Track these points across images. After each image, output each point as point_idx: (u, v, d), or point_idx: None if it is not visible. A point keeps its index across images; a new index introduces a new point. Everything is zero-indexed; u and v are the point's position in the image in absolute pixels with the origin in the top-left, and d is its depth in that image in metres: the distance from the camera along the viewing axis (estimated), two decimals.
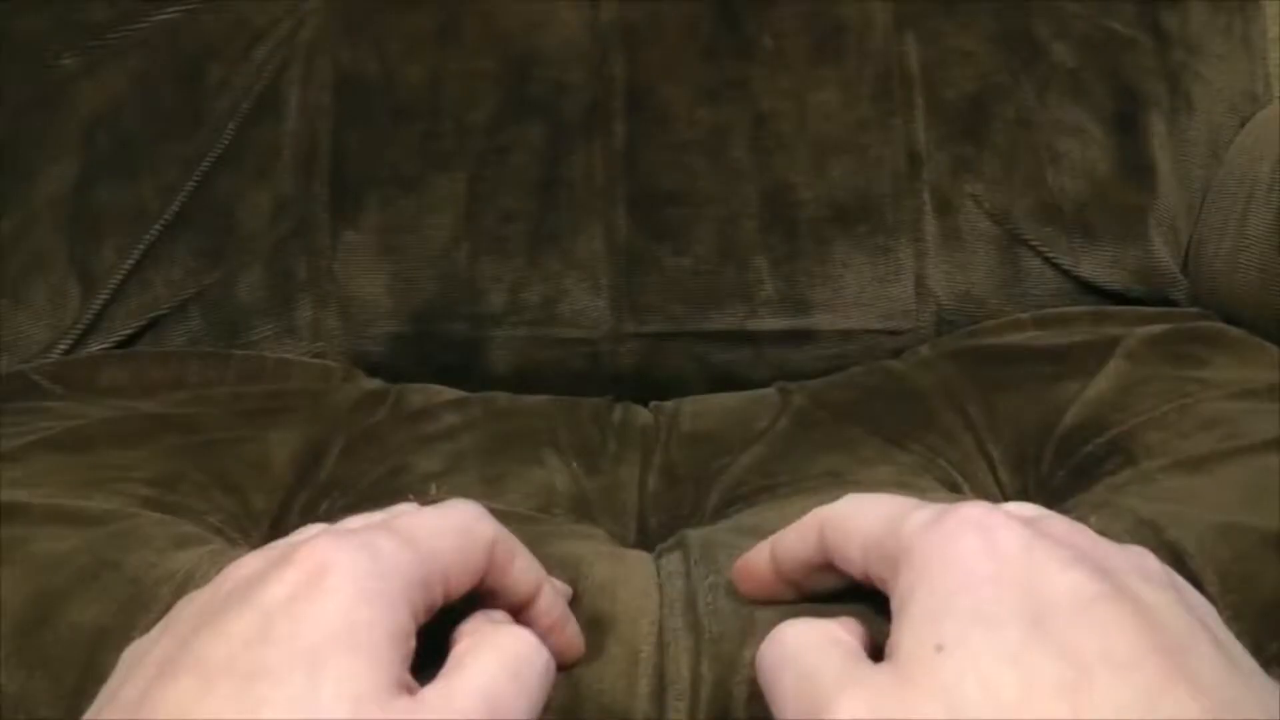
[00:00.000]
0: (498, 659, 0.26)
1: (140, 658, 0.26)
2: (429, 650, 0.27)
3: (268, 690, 0.23)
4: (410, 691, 0.25)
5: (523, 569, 0.31)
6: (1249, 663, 0.26)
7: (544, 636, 0.31)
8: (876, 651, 0.27)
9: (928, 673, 0.24)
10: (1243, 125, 0.75)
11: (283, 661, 0.24)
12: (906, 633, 0.25)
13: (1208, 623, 0.26)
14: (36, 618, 0.38)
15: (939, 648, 0.24)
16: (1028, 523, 0.27)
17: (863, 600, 0.31)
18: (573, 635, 0.34)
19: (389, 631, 0.25)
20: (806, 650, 0.27)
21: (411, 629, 0.26)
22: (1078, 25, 0.75)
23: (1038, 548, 0.26)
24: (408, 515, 0.29)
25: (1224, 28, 0.76)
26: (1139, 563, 0.27)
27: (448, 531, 0.29)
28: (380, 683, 0.24)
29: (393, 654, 0.25)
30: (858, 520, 0.30)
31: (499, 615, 0.30)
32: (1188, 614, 0.26)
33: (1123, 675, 0.23)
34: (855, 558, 0.30)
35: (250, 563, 0.27)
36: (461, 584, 0.29)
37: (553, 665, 0.28)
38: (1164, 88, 0.75)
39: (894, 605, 0.27)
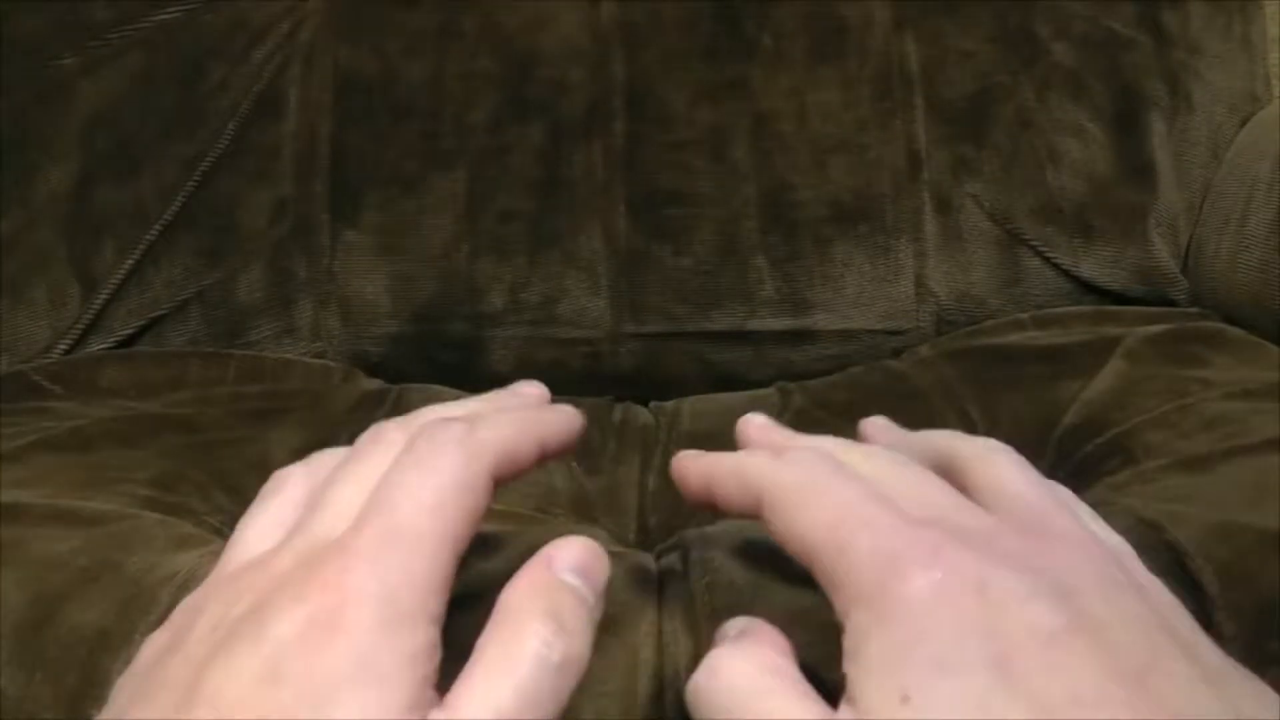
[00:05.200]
0: (510, 682, 0.26)
1: (147, 672, 0.26)
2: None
3: None
4: (430, 705, 0.25)
5: (526, 453, 0.31)
6: (1217, 659, 0.26)
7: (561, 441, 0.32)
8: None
9: None
10: (1243, 125, 0.75)
11: (295, 702, 0.24)
12: (867, 679, 0.25)
13: (1173, 624, 0.26)
14: (37, 619, 0.38)
15: (905, 699, 0.24)
16: (981, 547, 0.26)
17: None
18: (568, 419, 0.34)
19: (404, 657, 0.25)
20: (756, 692, 0.27)
21: (432, 639, 0.26)
22: (1078, 25, 0.75)
23: (993, 582, 0.25)
24: (406, 496, 0.28)
25: (1224, 28, 0.76)
26: (1097, 569, 0.27)
27: (449, 500, 0.28)
28: (394, 714, 0.24)
29: (407, 678, 0.24)
30: (804, 517, 0.28)
31: (562, 561, 0.28)
32: (1150, 621, 0.26)
33: (1090, 715, 0.23)
34: (798, 553, 0.28)
35: (259, 580, 0.27)
36: (477, 523, 0.28)
37: (572, 674, 0.27)
38: (1164, 88, 0.75)
39: (847, 641, 0.26)
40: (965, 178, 0.73)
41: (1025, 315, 0.71)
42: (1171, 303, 0.73)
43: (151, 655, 0.27)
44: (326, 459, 0.32)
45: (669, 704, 0.35)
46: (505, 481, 0.30)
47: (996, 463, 0.31)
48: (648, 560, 0.42)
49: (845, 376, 0.68)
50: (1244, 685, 0.25)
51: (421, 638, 0.26)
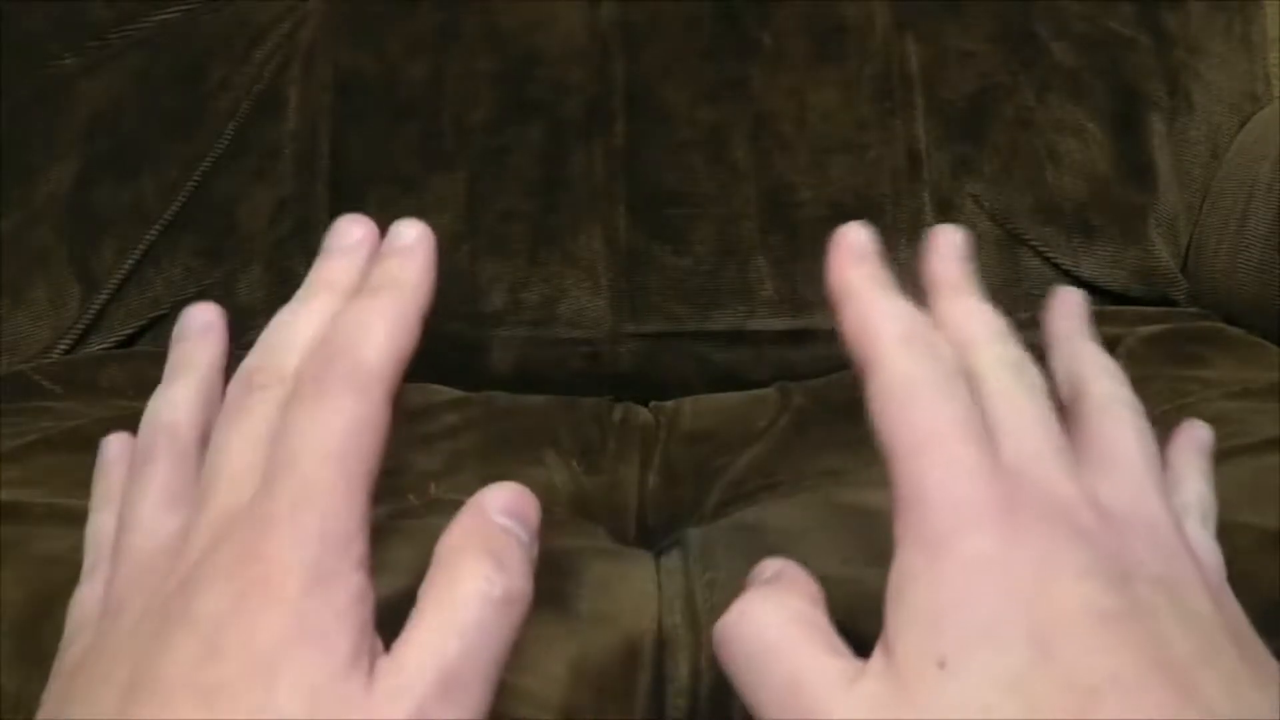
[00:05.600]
0: (451, 633, 0.25)
1: (92, 674, 0.26)
2: None
3: (227, 705, 0.23)
4: (370, 656, 0.25)
5: (411, 347, 0.30)
6: (1271, 667, 0.25)
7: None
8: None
9: (930, 690, 0.23)
10: (1243, 125, 0.75)
11: (238, 674, 0.23)
12: (907, 633, 0.25)
13: (1234, 627, 0.26)
14: (36, 617, 0.38)
15: (942, 664, 0.24)
16: (1057, 517, 0.25)
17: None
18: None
19: (339, 609, 0.25)
20: (786, 647, 0.26)
21: (364, 580, 0.25)
22: (1078, 25, 0.75)
23: (1053, 556, 0.25)
24: (306, 443, 0.27)
25: (1224, 28, 0.76)
26: (1170, 561, 0.26)
27: (357, 443, 0.27)
28: (337, 669, 0.24)
29: (346, 628, 0.24)
30: (896, 419, 0.27)
31: (498, 510, 0.28)
32: (1208, 620, 0.25)
33: (1129, 702, 0.22)
34: (879, 439, 0.28)
35: (180, 562, 0.26)
36: (381, 460, 0.27)
37: (516, 612, 0.26)
38: (1164, 88, 0.75)
39: (892, 578, 0.25)
40: (965, 178, 0.73)
41: (1025, 315, 0.71)
42: (1171, 303, 0.73)
43: (77, 658, 0.27)
44: (180, 412, 0.31)
45: (669, 700, 0.35)
46: (400, 383, 0.29)
47: (1118, 422, 0.30)
48: (647, 559, 0.42)
49: (845, 376, 0.68)
50: None
51: (352, 586, 0.25)
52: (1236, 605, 0.27)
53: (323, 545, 0.25)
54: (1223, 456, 0.46)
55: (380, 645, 0.25)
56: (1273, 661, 0.26)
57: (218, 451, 0.28)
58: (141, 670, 0.24)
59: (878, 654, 0.25)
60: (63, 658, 0.28)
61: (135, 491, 0.30)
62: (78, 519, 0.44)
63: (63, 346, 0.71)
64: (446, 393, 0.67)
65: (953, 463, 0.26)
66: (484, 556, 0.26)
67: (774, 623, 0.27)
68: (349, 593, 0.25)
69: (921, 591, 0.25)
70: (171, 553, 0.27)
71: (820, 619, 0.27)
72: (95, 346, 0.72)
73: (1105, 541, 0.26)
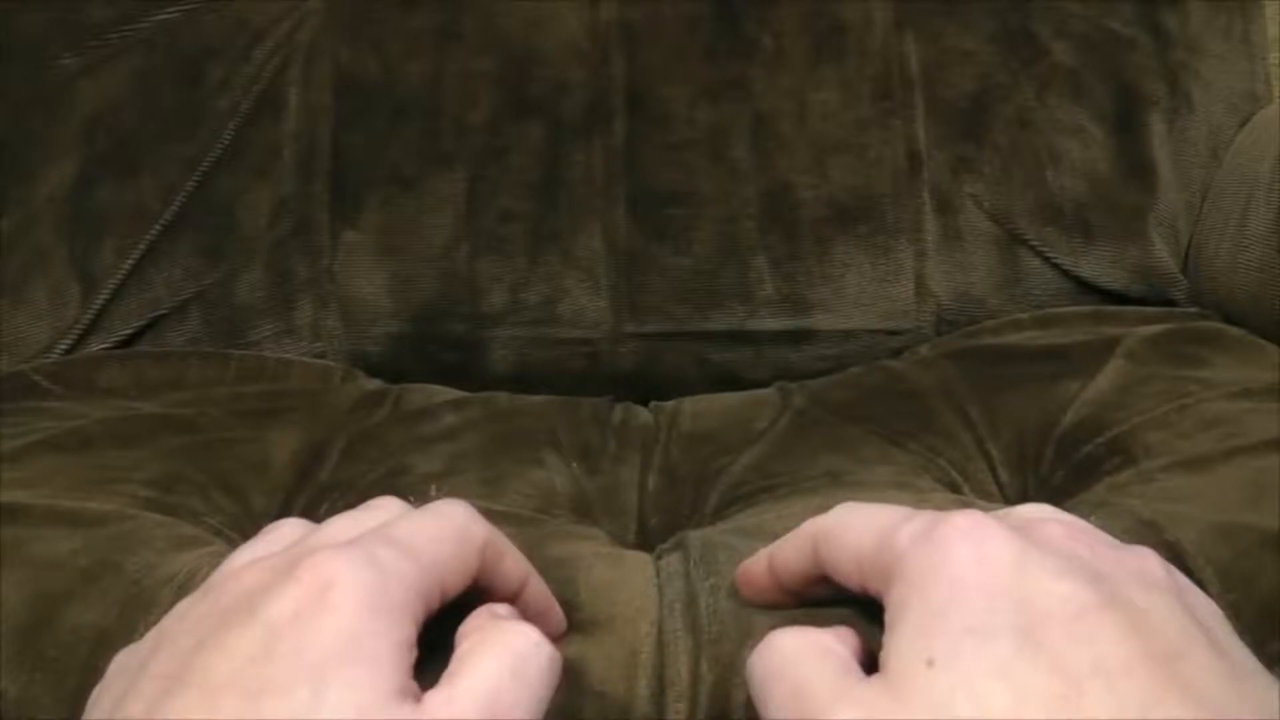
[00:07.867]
0: (498, 660, 0.27)
1: (139, 669, 0.26)
2: (430, 646, 0.27)
3: (273, 705, 0.24)
4: (414, 698, 0.25)
5: (511, 565, 0.32)
6: (1251, 665, 0.26)
7: (533, 623, 0.32)
8: (871, 660, 0.28)
9: (919, 687, 0.24)
10: (1243, 125, 0.75)
11: (287, 677, 0.24)
12: (898, 646, 0.26)
13: (1208, 625, 0.26)
14: (37, 620, 0.38)
15: (930, 662, 0.25)
16: (1021, 530, 0.27)
17: (859, 606, 0.31)
18: (557, 619, 0.35)
19: (392, 643, 0.26)
20: (799, 661, 0.28)
21: (413, 638, 0.26)
22: (1078, 25, 0.75)
23: (1030, 557, 0.26)
24: (404, 522, 0.29)
25: (1224, 28, 0.76)
26: (1138, 565, 0.27)
27: (445, 539, 0.29)
28: (383, 692, 0.24)
29: (395, 664, 0.25)
30: (851, 534, 0.30)
31: (503, 610, 0.30)
32: (1185, 617, 0.26)
33: (1113, 686, 0.23)
34: (850, 572, 0.30)
35: (249, 575, 0.27)
36: (457, 587, 0.29)
37: (558, 659, 0.28)
38: (1164, 88, 0.75)
39: (887, 617, 0.27)
40: (965, 178, 0.73)
41: (1025, 315, 0.71)
42: (1171, 303, 0.73)
43: (131, 661, 0.27)
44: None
45: (669, 705, 0.35)
46: (466, 584, 0.31)
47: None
48: (648, 560, 0.42)
49: (845, 376, 0.68)
50: (1275, 690, 0.26)
51: (407, 632, 0.26)
52: (1210, 602, 0.28)
53: (388, 581, 0.27)
54: (1223, 456, 0.47)
55: (419, 696, 0.26)
56: (1246, 653, 0.27)
57: (322, 524, 0.31)
58: (193, 664, 0.25)
59: (876, 675, 0.26)
60: (114, 664, 0.28)
61: (240, 548, 0.32)
62: (78, 520, 0.44)
63: (63, 346, 0.71)
64: (446, 393, 0.67)
65: (911, 518, 0.29)
66: (531, 626, 0.29)
67: (795, 645, 0.29)
68: (403, 634, 0.26)
69: (911, 612, 0.26)
70: (245, 569, 0.28)
71: (840, 650, 0.28)
72: (95, 346, 0.71)
73: (1075, 551, 0.27)
